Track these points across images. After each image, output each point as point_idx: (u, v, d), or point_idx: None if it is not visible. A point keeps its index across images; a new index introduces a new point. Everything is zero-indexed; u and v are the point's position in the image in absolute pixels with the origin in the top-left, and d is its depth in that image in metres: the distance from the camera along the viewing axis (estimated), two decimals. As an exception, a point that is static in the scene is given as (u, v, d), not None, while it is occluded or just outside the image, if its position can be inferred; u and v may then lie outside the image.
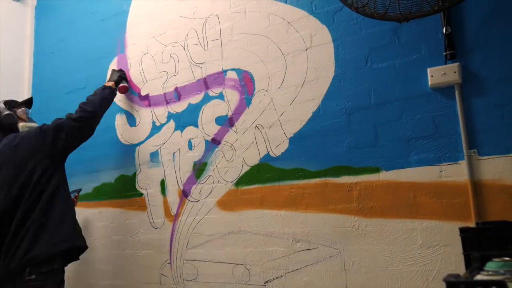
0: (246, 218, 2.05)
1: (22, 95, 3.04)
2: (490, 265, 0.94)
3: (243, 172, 2.10)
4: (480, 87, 1.64)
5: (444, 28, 1.70)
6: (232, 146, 2.15)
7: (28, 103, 2.29)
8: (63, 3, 3.07)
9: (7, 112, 2.09)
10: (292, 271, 1.89)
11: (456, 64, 1.67)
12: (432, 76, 1.70)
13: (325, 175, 1.89)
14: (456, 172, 1.63)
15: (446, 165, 1.65)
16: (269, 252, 1.96)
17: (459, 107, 1.65)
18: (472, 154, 1.61)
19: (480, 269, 0.95)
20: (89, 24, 2.87)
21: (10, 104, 2.16)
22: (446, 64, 1.69)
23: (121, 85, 2.49)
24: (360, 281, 1.74)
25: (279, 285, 1.91)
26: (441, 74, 1.68)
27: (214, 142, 2.21)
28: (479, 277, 0.89)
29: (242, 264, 2.02)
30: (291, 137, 2.00)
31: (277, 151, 2.02)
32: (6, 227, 1.85)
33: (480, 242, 1.13)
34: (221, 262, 2.09)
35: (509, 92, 1.59)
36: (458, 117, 1.65)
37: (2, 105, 2.12)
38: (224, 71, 2.24)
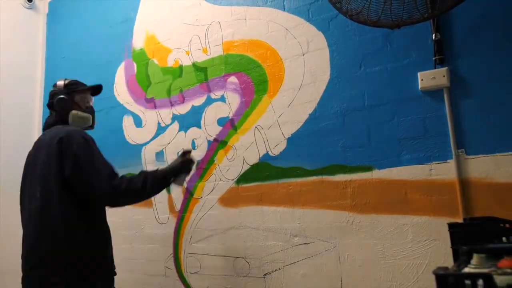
0: (246, 214, 2.05)
1: (35, 98, 3.04)
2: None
3: (243, 170, 2.10)
4: (467, 90, 1.64)
5: (434, 35, 1.70)
6: (233, 146, 2.15)
7: (95, 89, 1.82)
8: (73, 11, 3.07)
9: (61, 96, 1.67)
10: (290, 264, 1.89)
11: (445, 68, 1.67)
12: (422, 79, 1.71)
13: (321, 173, 1.89)
14: (445, 171, 1.63)
15: (436, 164, 1.65)
16: (268, 246, 1.96)
17: (447, 109, 1.65)
18: (460, 153, 1.61)
19: (468, 262, 0.95)
20: (98, 31, 2.87)
21: (70, 88, 1.72)
22: (435, 68, 1.69)
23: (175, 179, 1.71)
24: (354, 274, 1.74)
25: (278, 278, 1.91)
26: (430, 78, 1.68)
27: (216, 142, 2.21)
28: (466, 270, 0.89)
29: (243, 258, 2.02)
30: (289, 138, 2.00)
31: (275, 151, 2.02)
32: None
33: (467, 237, 1.13)
34: (222, 256, 2.08)
35: (495, 95, 1.59)
36: (447, 118, 1.65)
37: (62, 86, 1.71)
38: (226, 75, 2.24)
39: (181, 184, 1.79)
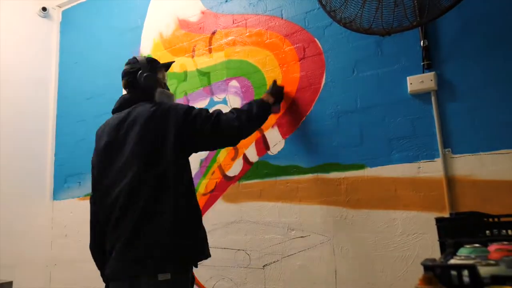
0: (247, 209, 2.05)
1: (49, 101, 3.04)
2: (463, 251, 0.94)
3: (244, 168, 2.10)
4: (453, 93, 1.64)
5: (422, 41, 1.70)
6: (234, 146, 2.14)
7: (167, 66, 1.69)
8: (85, 19, 3.07)
9: (148, 73, 1.52)
10: (288, 256, 1.89)
11: (432, 73, 1.67)
12: (411, 83, 1.70)
13: (316, 171, 1.89)
14: (432, 169, 1.63)
15: (424, 162, 1.65)
16: (267, 239, 1.96)
17: (435, 111, 1.65)
18: (447, 152, 1.61)
19: (454, 254, 0.95)
20: (108, 38, 2.87)
21: (153, 64, 1.58)
22: (423, 73, 1.69)
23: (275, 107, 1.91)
24: (347, 265, 1.74)
25: (276, 269, 1.91)
26: (419, 82, 1.68)
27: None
28: (452, 261, 0.89)
29: (243, 250, 2.02)
30: (286, 138, 2.00)
31: (274, 150, 2.02)
32: None
33: (453, 231, 1.13)
34: (224, 248, 2.08)
35: (479, 98, 1.59)
36: (434, 120, 1.65)
37: (145, 63, 1.55)
38: (228, 79, 2.24)
39: (278, 111, 1.94)
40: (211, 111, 1.50)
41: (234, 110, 1.55)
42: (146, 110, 1.41)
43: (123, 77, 1.58)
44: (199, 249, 1.40)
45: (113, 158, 1.42)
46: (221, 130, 1.44)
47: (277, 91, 1.90)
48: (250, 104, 1.64)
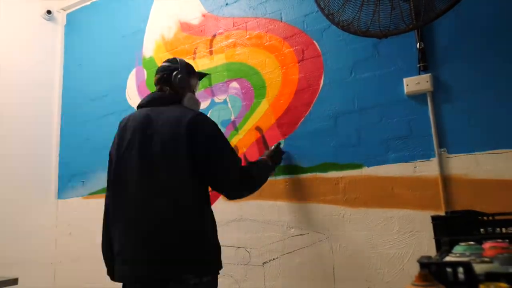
0: (247, 208, 2.05)
1: (53, 102, 3.04)
2: (458, 249, 0.95)
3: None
4: (449, 95, 1.64)
5: (418, 44, 1.70)
6: (234, 146, 2.14)
7: (202, 76, 1.71)
8: (89, 22, 3.07)
9: (183, 75, 1.51)
10: (287, 253, 1.89)
11: (428, 74, 1.67)
12: (407, 85, 1.71)
13: (315, 170, 1.89)
14: (428, 168, 1.63)
15: (420, 162, 1.65)
16: (266, 237, 1.96)
17: (430, 111, 1.65)
18: (442, 152, 1.62)
19: (449, 252, 0.95)
20: (111, 40, 2.87)
21: (189, 69, 1.58)
22: (419, 74, 1.69)
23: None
24: (345, 262, 1.74)
25: (275, 266, 1.91)
26: (415, 83, 1.69)
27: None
28: (448, 258, 0.89)
29: (244, 248, 2.02)
30: (286, 138, 2.00)
31: (273, 150, 2.02)
32: None
33: (449, 229, 1.13)
34: (225, 246, 2.08)
35: (474, 99, 1.59)
36: (430, 120, 1.65)
37: (184, 65, 1.55)
38: (228, 81, 2.24)
39: (273, 173, 1.92)
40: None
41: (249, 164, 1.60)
42: (176, 115, 1.36)
43: (158, 72, 1.54)
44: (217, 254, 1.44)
45: (134, 156, 1.34)
46: (241, 175, 1.42)
47: (277, 155, 1.86)
48: (260, 164, 1.65)
